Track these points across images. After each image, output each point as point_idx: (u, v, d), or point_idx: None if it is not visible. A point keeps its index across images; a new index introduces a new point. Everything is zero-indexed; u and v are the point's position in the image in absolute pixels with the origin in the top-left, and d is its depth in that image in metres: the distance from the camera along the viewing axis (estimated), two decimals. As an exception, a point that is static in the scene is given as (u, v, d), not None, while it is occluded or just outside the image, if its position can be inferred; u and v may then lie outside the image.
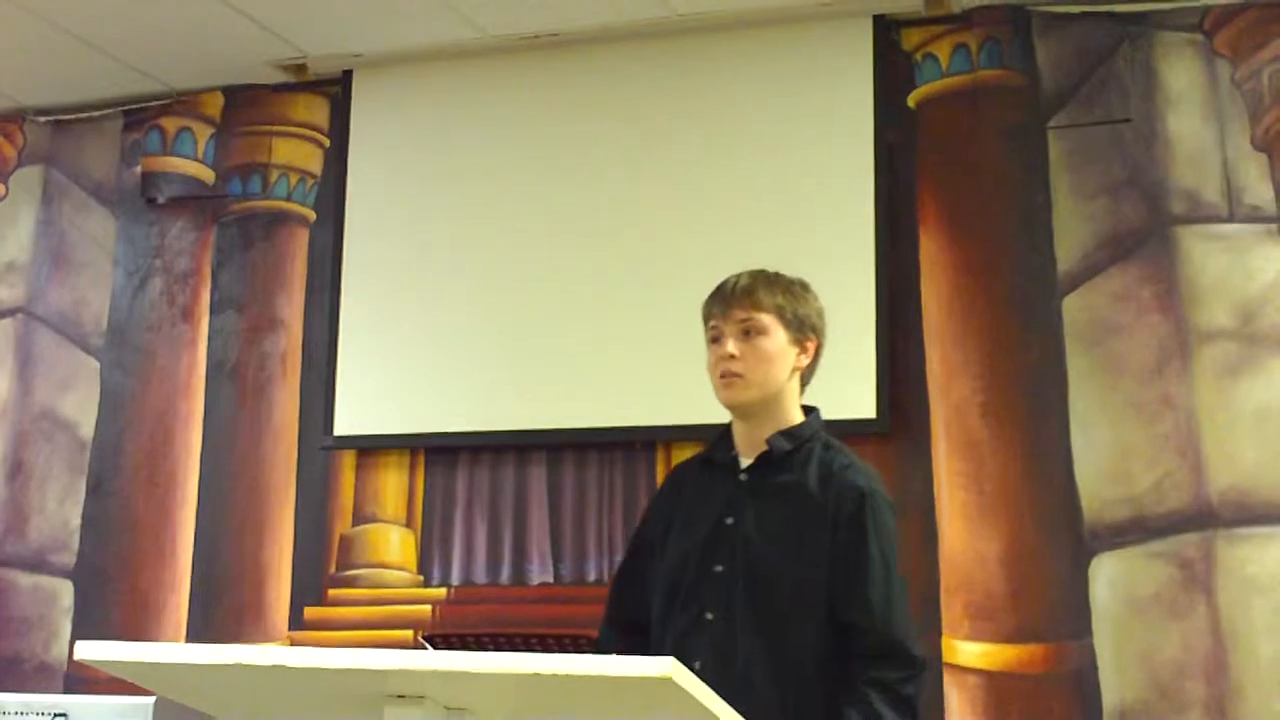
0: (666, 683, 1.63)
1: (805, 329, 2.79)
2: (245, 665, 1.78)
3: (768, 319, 2.74)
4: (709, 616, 2.67)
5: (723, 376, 2.73)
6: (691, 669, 2.45)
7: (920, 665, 2.67)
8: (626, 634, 2.85)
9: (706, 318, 2.81)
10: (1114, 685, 4.05)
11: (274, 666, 1.76)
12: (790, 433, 2.76)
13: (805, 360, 2.79)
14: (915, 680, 2.64)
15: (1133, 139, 4.34)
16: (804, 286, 2.83)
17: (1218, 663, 3.98)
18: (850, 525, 2.67)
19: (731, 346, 2.72)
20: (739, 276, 2.79)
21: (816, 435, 2.79)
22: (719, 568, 2.69)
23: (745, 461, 2.78)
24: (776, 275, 2.81)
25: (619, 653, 2.74)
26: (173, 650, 1.89)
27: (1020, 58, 4.49)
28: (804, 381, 2.83)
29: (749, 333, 2.73)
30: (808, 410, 2.82)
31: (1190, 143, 4.29)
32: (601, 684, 1.69)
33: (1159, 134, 4.32)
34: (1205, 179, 4.26)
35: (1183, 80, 4.34)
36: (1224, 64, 4.31)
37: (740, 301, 2.74)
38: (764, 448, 2.75)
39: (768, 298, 2.75)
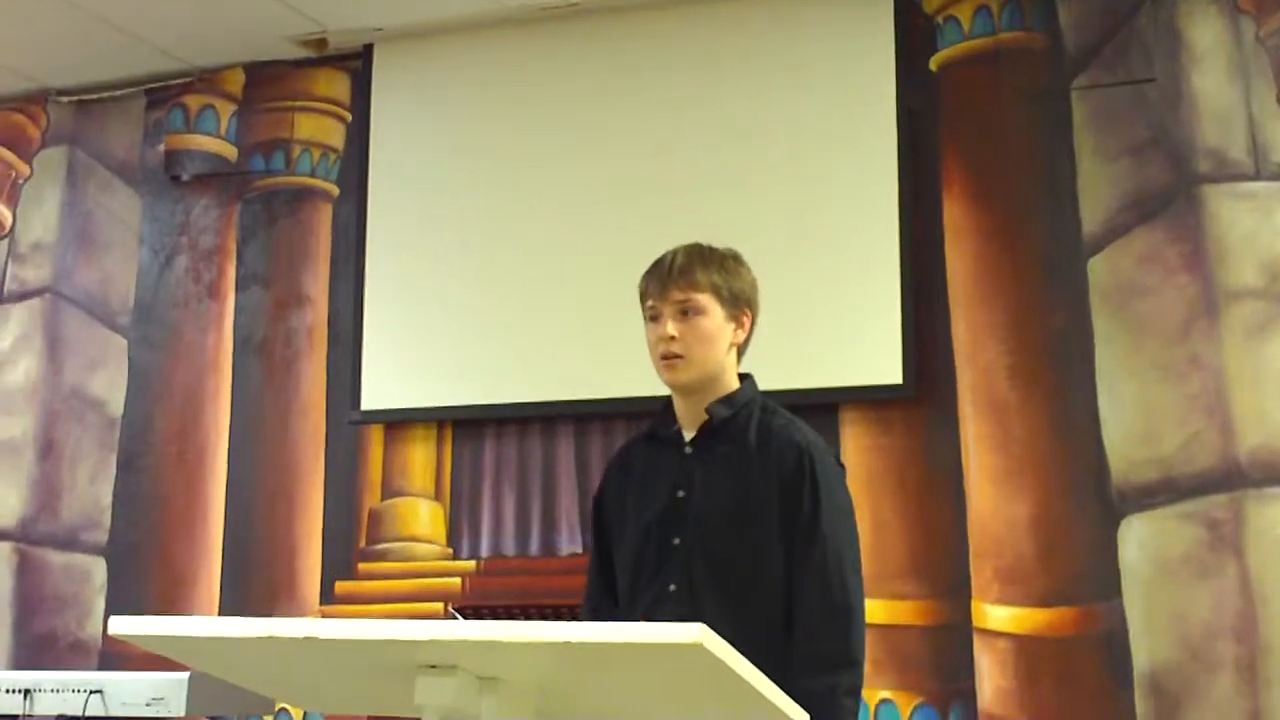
0: (697, 649, 1.64)
1: (740, 304, 2.78)
2: (278, 637, 1.78)
3: (704, 298, 2.74)
4: (672, 588, 2.69)
5: (664, 358, 2.72)
6: None
7: (843, 619, 2.63)
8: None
9: (643, 295, 2.81)
10: (1144, 647, 4.05)
11: (306, 638, 1.76)
12: (728, 399, 2.77)
13: (742, 335, 2.80)
14: (839, 640, 2.62)
15: (1157, 98, 4.31)
16: (737, 260, 2.82)
17: (1248, 623, 3.97)
18: (792, 482, 2.68)
19: (670, 328, 2.71)
20: (674, 254, 2.78)
21: (754, 400, 2.80)
22: (676, 540, 2.71)
23: (689, 434, 2.79)
24: (710, 250, 2.80)
25: None
26: (205, 623, 1.90)
27: (1042, 18, 4.46)
28: (740, 353, 2.83)
29: (686, 312, 2.73)
30: (743, 378, 2.83)
31: (1215, 101, 4.26)
32: (632, 651, 1.69)
33: (1183, 93, 4.30)
34: (1231, 137, 4.23)
35: (1207, 38, 4.31)
36: (1248, 21, 4.27)
37: (677, 281, 2.74)
38: (705, 419, 2.76)
39: (704, 276, 2.74)
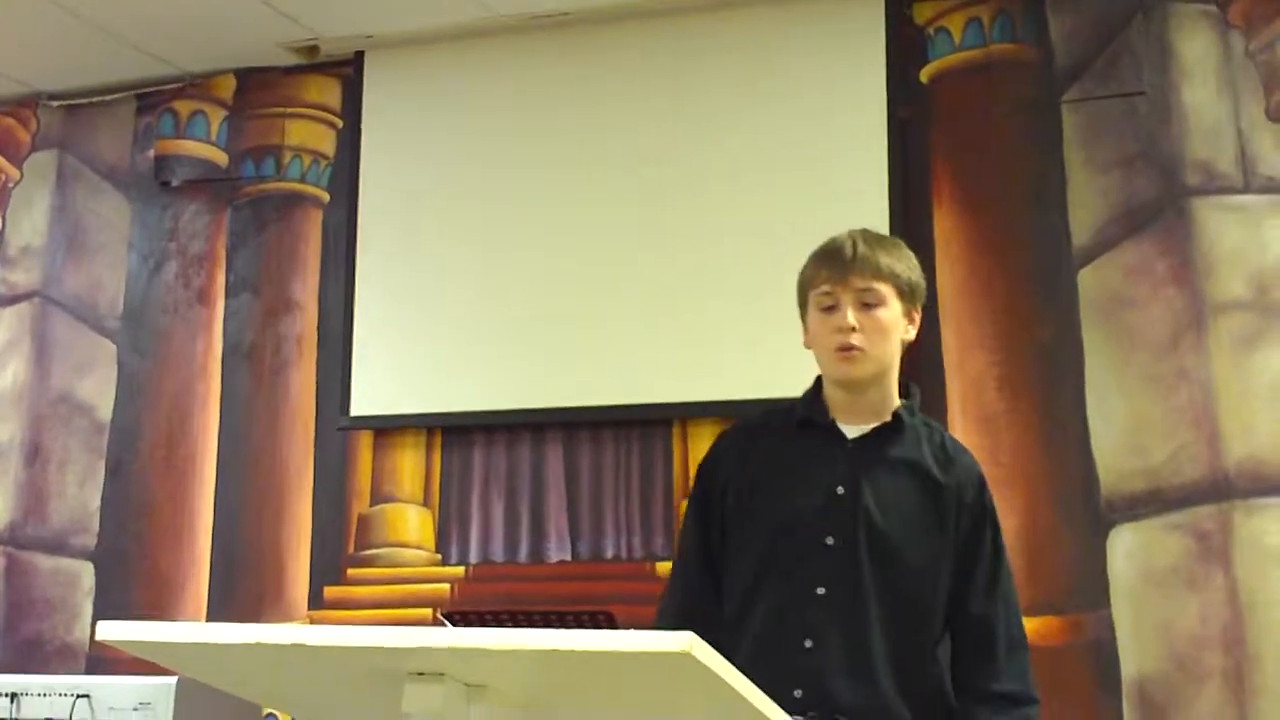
0: (686, 657, 1.63)
1: (915, 298, 2.66)
2: (265, 644, 1.78)
3: (885, 289, 2.60)
4: (820, 591, 2.54)
5: (843, 349, 2.57)
6: (800, 646, 2.47)
7: (1025, 654, 2.63)
8: (711, 625, 2.53)
9: (812, 281, 2.65)
10: (1132, 657, 4.05)
11: (294, 645, 1.76)
12: (909, 406, 2.66)
13: (912, 333, 2.67)
14: (1025, 674, 2.61)
15: (1147, 112, 4.33)
16: (909, 251, 2.70)
17: (1235, 633, 3.98)
18: (973, 511, 2.59)
19: (851, 318, 2.57)
20: (852, 240, 2.63)
21: (917, 410, 2.70)
22: (830, 540, 2.56)
23: (850, 430, 2.65)
24: (886, 237, 2.69)
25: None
26: (193, 629, 1.89)
27: (1033, 31, 4.48)
28: (905, 354, 2.70)
29: (868, 305, 2.59)
30: (906, 384, 2.71)
31: (1204, 115, 4.28)
32: (620, 659, 1.69)
33: (1173, 106, 4.31)
34: (1220, 151, 4.24)
35: (1196, 52, 4.32)
36: (1237, 35, 4.29)
37: (860, 269, 2.59)
38: (868, 417, 2.63)
39: (887, 265, 2.60)
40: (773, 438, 2.71)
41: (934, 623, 2.58)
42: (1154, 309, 4.21)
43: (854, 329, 2.57)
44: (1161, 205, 4.26)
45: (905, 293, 2.63)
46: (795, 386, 4.30)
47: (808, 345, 2.69)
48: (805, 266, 2.70)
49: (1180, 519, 4.09)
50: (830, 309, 2.61)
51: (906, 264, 2.66)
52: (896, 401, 2.68)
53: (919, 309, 2.68)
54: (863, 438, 2.64)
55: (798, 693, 2.47)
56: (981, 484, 2.63)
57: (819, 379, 2.72)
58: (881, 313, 2.59)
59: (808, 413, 2.69)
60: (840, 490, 2.59)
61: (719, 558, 2.68)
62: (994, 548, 2.61)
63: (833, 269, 2.62)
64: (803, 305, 2.71)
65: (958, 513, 2.59)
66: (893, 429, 2.64)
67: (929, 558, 2.57)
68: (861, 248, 2.61)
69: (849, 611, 2.53)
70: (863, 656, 2.51)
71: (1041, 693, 4.03)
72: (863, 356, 2.58)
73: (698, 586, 2.70)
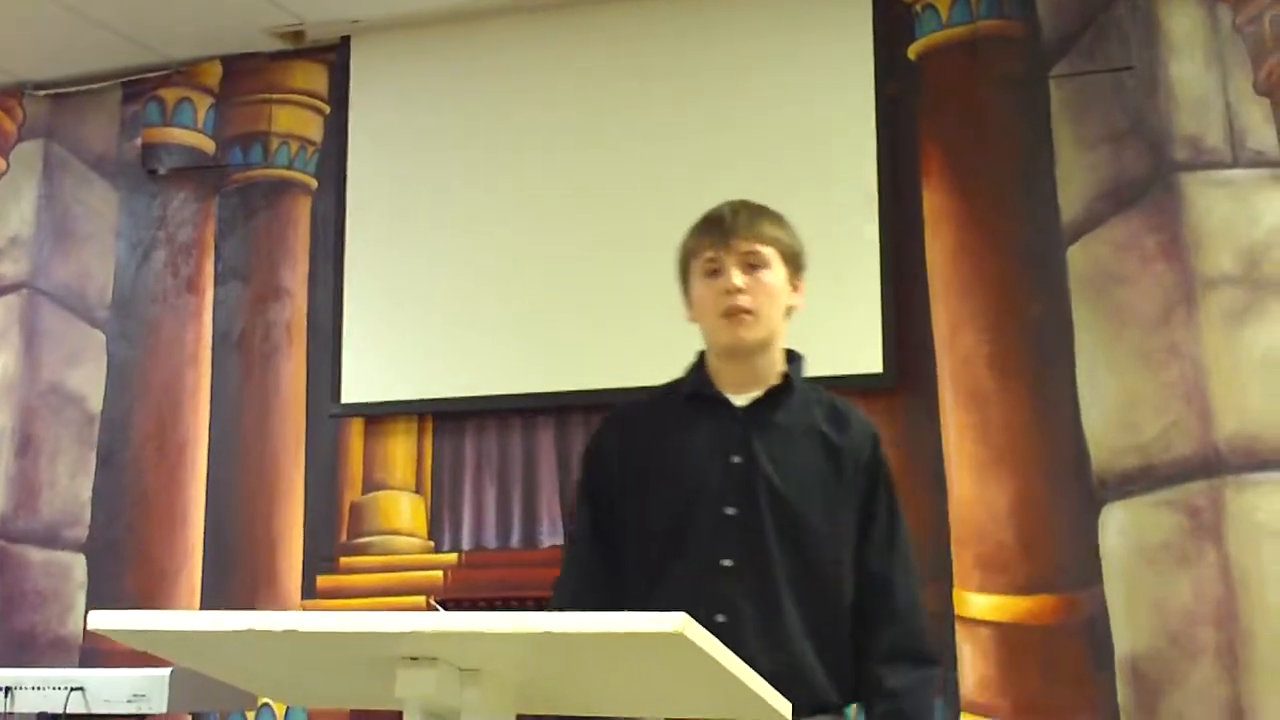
0: (678, 638, 1.63)
1: (799, 265, 2.65)
2: (258, 631, 1.77)
3: (770, 252, 2.58)
4: (726, 564, 2.51)
5: (730, 312, 2.55)
6: (712, 621, 2.45)
7: (921, 611, 2.61)
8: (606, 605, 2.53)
9: (695, 251, 2.63)
10: (1125, 634, 4.06)
11: (287, 631, 1.76)
12: (795, 368, 2.64)
13: (798, 300, 2.65)
14: (922, 628, 2.60)
15: (1134, 86, 4.32)
16: (788, 221, 2.67)
17: (1228, 609, 3.98)
18: (869, 470, 2.59)
19: (738, 279, 2.55)
20: (732, 207, 2.63)
21: (805, 375, 2.69)
22: (731, 510, 2.53)
23: (737, 399, 2.62)
24: (764, 207, 2.67)
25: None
26: (185, 618, 1.89)
27: (1020, 6, 4.47)
28: (787, 321, 2.68)
29: (753, 266, 2.57)
30: (790, 353, 2.69)
31: (1192, 88, 4.27)
32: (614, 640, 1.69)
33: (1161, 81, 4.31)
34: (1208, 125, 4.24)
35: (1184, 26, 4.31)
36: (1225, 9, 4.28)
37: (743, 232, 2.58)
38: (755, 387, 2.60)
39: (769, 229, 2.60)
40: (660, 415, 2.68)
41: (843, 584, 2.56)
42: (1144, 285, 4.21)
43: (741, 290, 2.55)
44: (1150, 180, 4.26)
45: (789, 258, 2.62)
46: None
47: (692, 319, 2.67)
48: (684, 240, 2.68)
49: (1172, 495, 4.10)
50: (714, 273, 2.59)
51: (788, 232, 2.65)
52: (782, 369, 2.66)
53: (802, 279, 2.66)
54: (753, 404, 2.61)
55: None
56: (876, 442, 2.63)
57: (701, 354, 2.70)
58: (766, 275, 2.58)
59: (695, 386, 2.66)
60: (736, 459, 2.56)
61: (613, 539, 2.64)
62: (889, 506, 2.61)
63: (715, 235, 2.60)
64: (684, 278, 2.69)
65: (855, 472, 2.58)
66: (782, 392, 2.62)
67: (832, 520, 2.55)
68: (742, 213, 2.61)
69: (758, 581, 2.50)
70: (777, 625, 2.50)
71: (1035, 670, 4.08)
72: (752, 320, 2.56)
73: (591, 569, 2.66)
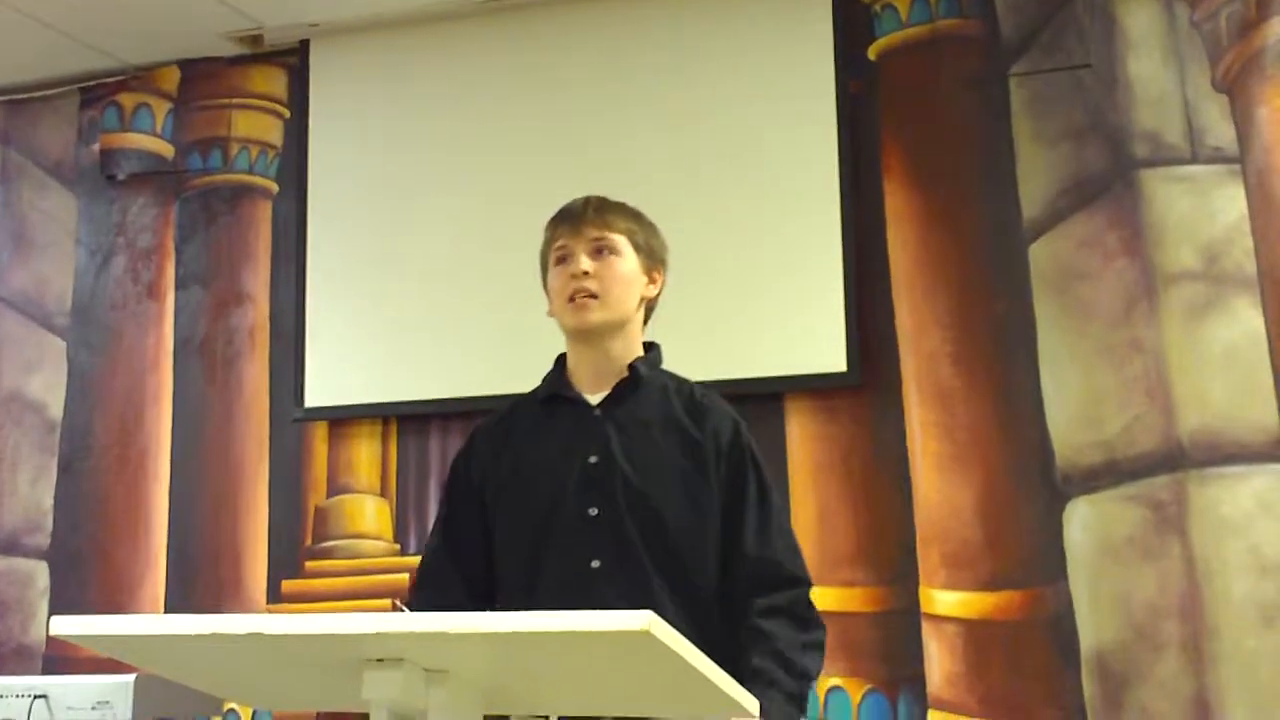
0: (645, 636, 1.63)
1: (655, 258, 2.69)
2: (222, 634, 1.77)
3: (620, 240, 2.63)
4: (595, 565, 2.51)
5: (575, 296, 2.59)
6: None
7: (804, 581, 2.59)
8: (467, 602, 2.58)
9: (551, 240, 2.69)
10: (1091, 628, 4.07)
11: (252, 634, 1.75)
12: (646, 360, 2.66)
13: (654, 291, 2.69)
14: (798, 595, 2.57)
15: (1093, 84, 4.34)
16: (651, 221, 2.73)
17: (1193, 602, 4.00)
18: (731, 456, 2.59)
19: (585, 263, 2.60)
20: (585, 199, 2.69)
21: (661, 367, 2.70)
22: (593, 510, 2.54)
23: (590, 396, 2.64)
24: (621, 203, 2.71)
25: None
26: (150, 622, 1.88)
27: (979, 5, 4.49)
28: (648, 315, 2.72)
29: (601, 251, 2.62)
30: (649, 346, 2.71)
31: (1151, 86, 4.30)
32: (579, 639, 1.68)
33: (1119, 78, 4.33)
34: (1167, 122, 4.26)
35: (1141, 23, 4.34)
36: (1182, 6, 4.31)
37: (593, 220, 2.64)
38: (610, 381, 2.63)
39: (619, 220, 2.66)
40: (522, 423, 2.70)
41: (709, 575, 2.55)
42: (1105, 281, 4.23)
43: (586, 273, 2.59)
44: (1110, 177, 4.28)
45: (642, 248, 2.66)
46: (750, 366, 4.33)
47: (550, 313, 2.71)
48: (544, 236, 2.73)
49: (1136, 490, 4.12)
50: (564, 260, 2.64)
51: (644, 226, 2.70)
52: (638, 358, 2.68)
53: (661, 271, 2.70)
54: (606, 401, 2.63)
55: None
56: (736, 428, 2.62)
57: (561, 355, 2.73)
58: (616, 261, 2.62)
59: (551, 389, 2.69)
60: (593, 459, 2.57)
61: (476, 552, 2.65)
62: (759, 489, 2.60)
63: (567, 224, 2.67)
64: (544, 272, 2.73)
65: (717, 461, 2.58)
66: (632, 384, 2.63)
67: (694, 511, 2.55)
68: (594, 203, 2.67)
69: (629, 580, 2.50)
70: None
71: (1002, 666, 4.09)
72: (597, 303, 2.59)
73: (440, 582, 2.66)
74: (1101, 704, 4.03)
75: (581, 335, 2.64)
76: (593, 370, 2.65)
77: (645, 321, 2.73)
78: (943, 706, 4.16)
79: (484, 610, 2.48)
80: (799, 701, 2.48)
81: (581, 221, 2.64)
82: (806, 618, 2.56)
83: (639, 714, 2.08)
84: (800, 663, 2.49)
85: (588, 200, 2.68)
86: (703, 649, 2.48)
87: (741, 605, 2.55)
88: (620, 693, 2.00)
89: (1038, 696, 4.09)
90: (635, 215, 2.70)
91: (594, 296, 2.59)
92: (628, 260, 2.64)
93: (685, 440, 2.60)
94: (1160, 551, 4.05)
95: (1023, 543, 4.18)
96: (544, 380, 2.74)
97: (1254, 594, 3.96)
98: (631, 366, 2.64)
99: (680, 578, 2.53)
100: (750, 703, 1.95)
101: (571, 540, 2.55)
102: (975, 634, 4.17)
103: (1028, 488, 4.20)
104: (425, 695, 1.81)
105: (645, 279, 2.67)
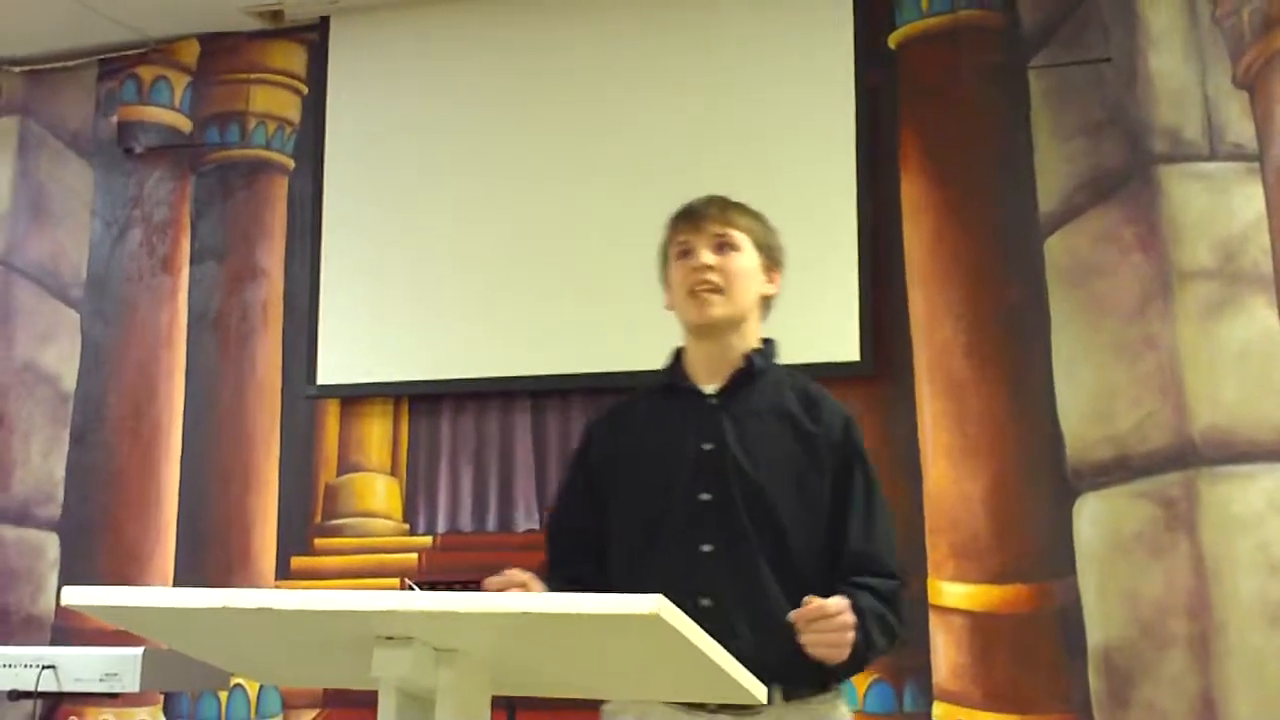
0: (655, 620, 1.63)
1: (774, 258, 2.73)
2: (233, 608, 1.77)
3: (741, 237, 2.67)
4: (706, 549, 2.56)
5: (697, 290, 2.63)
6: (697, 605, 2.46)
7: (899, 576, 2.62)
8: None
9: (672, 238, 2.73)
10: (1098, 624, 4.07)
11: (261, 609, 1.75)
12: (762, 352, 2.70)
13: (772, 290, 2.73)
14: (895, 588, 2.59)
15: (1113, 78, 4.33)
16: (768, 219, 2.76)
17: (1200, 600, 4.00)
18: (842, 450, 2.62)
19: (707, 257, 2.64)
20: (708, 197, 2.73)
21: (778, 360, 2.74)
22: (705, 496, 2.58)
23: (706, 386, 2.69)
24: (742, 203, 2.75)
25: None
26: (160, 594, 1.88)
27: (1001, -3, 4.48)
28: (765, 312, 2.75)
29: (723, 246, 2.66)
30: (765, 340, 2.75)
31: (1171, 81, 4.28)
32: (590, 622, 1.68)
33: (1140, 73, 4.31)
34: (1186, 118, 4.25)
35: (1163, 18, 4.32)
36: (1204, 2, 4.29)
37: (715, 216, 2.68)
38: (726, 372, 2.67)
39: (741, 218, 2.70)
40: (640, 411, 2.76)
41: (815, 565, 2.59)
42: (1121, 276, 4.22)
43: (709, 266, 2.63)
44: (1128, 172, 4.27)
45: (762, 246, 2.71)
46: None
47: (668, 305, 2.75)
48: (664, 233, 2.77)
49: (1146, 486, 4.11)
50: (686, 254, 2.68)
51: (764, 225, 2.74)
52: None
53: (779, 270, 2.75)
54: (722, 392, 2.67)
55: None
56: (848, 424, 2.66)
57: (679, 349, 2.76)
58: (737, 257, 2.66)
59: (668, 379, 2.74)
60: (707, 446, 2.62)
61: (596, 533, 2.70)
62: (866, 486, 2.63)
63: (689, 220, 2.70)
64: (663, 268, 2.77)
65: (828, 454, 2.62)
66: (748, 375, 2.67)
67: (804, 501, 2.59)
68: (716, 202, 2.72)
69: (738, 564, 2.55)
70: (761, 607, 2.53)
71: (1008, 659, 4.09)
72: (720, 298, 2.63)
73: (572, 558, 2.72)
74: (1108, 700, 4.03)
75: (703, 330, 2.68)
76: (709, 362, 2.69)
77: (763, 319, 2.76)
78: (948, 698, 4.16)
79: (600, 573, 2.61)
80: (884, 625, 2.53)
81: (704, 218, 2.68)
82: (894, 603, 2.58)
83: (648, 697, 2.08)
84: (889, 617, 2.53)
85: (710, 198, 2.72)
86: None
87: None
88: (629, 676, 2.00)
89: (1044, 691, 4.09)
90: (756, 215, 2.74)
91: (717, 290, 2.63)
92: (748, 256, 2.68)
93: (798, 432, 2.64)
94: (1169, 549, 4.05)
95: (1032, 536, 4.17)
96: (661, 371, 2.78)
97: (1263, 592, 3.95)
98: (748, 358, 2.68)
99: (787, 565, 2.56)
100: (759, 689, 1.95)
101: (684, 523, 2.59)
102: (982, 626, 4.17)
103: (1038, 481, 4.19)
104: (434, 674, 1.81)
105: (764, 277, 2.71)
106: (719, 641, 1.78)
